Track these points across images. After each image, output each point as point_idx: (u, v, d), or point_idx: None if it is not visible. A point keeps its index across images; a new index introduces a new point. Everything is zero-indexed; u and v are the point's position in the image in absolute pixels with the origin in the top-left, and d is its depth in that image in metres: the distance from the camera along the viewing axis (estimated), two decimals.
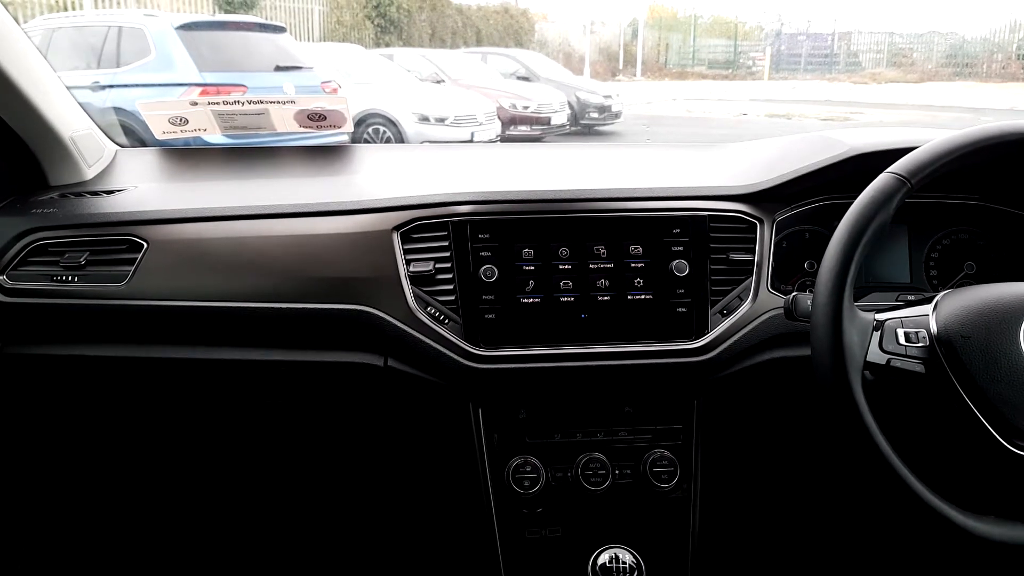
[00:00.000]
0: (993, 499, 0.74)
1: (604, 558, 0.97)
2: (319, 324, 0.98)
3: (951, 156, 0.76)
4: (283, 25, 5.69)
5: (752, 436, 1.17)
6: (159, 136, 1.28)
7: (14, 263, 1.01)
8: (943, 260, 1.07)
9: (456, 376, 0.95)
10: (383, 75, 6.90)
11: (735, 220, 1.00)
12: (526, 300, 0.95)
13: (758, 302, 0.97)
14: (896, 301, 0.91)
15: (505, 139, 7.02)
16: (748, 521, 1.26)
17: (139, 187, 1.15)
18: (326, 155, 1.35)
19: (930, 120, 9.66)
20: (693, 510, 1.00)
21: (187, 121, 1.28)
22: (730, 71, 17.09)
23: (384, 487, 1.30)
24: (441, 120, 6.21)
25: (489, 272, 0.95)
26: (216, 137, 1.39)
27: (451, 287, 0.95)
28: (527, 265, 0.96)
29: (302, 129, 1.30)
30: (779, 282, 1.01)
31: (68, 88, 1.15)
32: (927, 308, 0.78)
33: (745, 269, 0.99)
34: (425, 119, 6.14)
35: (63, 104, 1.12)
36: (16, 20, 1.03)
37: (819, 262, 0.77)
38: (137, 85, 4.55)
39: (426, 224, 0.97)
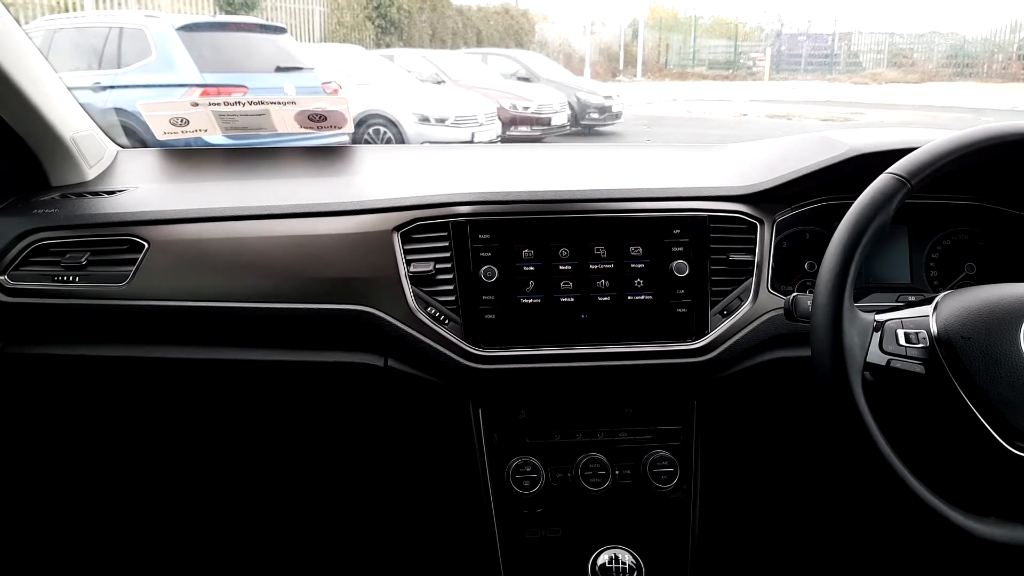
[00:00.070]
0: (993, 500, 0.74)
1: (604, 558, 0.97)
2: (319, 324, 0.98)
3: (951, 157, 0.76)
4: (284, 26, 5.69)
5: (752, 437, 1.17)
6: (160, 137, 1.29)
7: (15, 263, 1.01)
8: (943, 261, 1.07)
9: (456, 376, 0.95)
10: (384, 76, 6.90)
11: (735, 221, 1.00)
12: (526, 300, 0.95)
13: (758, 303, 0.97)
14: (896, 302, 0.91)
15: (505, 140, 7.03)
16: (748, 522, 1.26)
17: (140, 187, 1.15)
18: (327, 156, 1.35)
19: (930, 120, 9.66)
20: (693, 511, 1.00)
21: (188, 122, 1.28)
22: (730, 72, 17.09)
23: (384, 487, 1.30)
24: (441, 121, 6.21)
25: (489, 272, 0.95)
26: (217, 138, 1.39)
27: (451, 287, 0.95)
28: (527, 265, 0.96)
29: (303, 130, 1.30)
30: (779, 283, 1.01)
31: (69, 89, 1.15)
32: (927, 309, 0.78)
33: (745, 270, 0.99)
34: (425, 120, 6.15)
35: (64, 105, 1.12)
36: (17, 21, 1.03)
37: (819, 263, 0.77)
38: (138, 86, 4.56)
39: (426, 224, 0.98)
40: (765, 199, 1.02)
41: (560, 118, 7.93)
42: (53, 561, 1.36)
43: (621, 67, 17.16)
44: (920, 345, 0.75)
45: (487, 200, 0.98)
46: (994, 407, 0.71)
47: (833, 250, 0.75)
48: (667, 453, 1.00)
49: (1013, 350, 0.72)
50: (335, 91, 5.10)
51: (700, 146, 1.33)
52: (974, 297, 0.77)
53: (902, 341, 0.76)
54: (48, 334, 1.04)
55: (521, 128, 7.57)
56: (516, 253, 0.96)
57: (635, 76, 16.83)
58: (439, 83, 7.67)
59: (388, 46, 11.69)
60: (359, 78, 6.41)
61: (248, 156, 1.39)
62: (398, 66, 7.53)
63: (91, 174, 1.18)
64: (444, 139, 6.12)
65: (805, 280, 1.04)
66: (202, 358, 1.02)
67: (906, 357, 0.75)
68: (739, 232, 1.00)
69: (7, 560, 1.33)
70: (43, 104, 1.05)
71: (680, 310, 0.97)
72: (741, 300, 0.98)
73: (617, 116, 9.02)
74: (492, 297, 0.95)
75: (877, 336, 0.77)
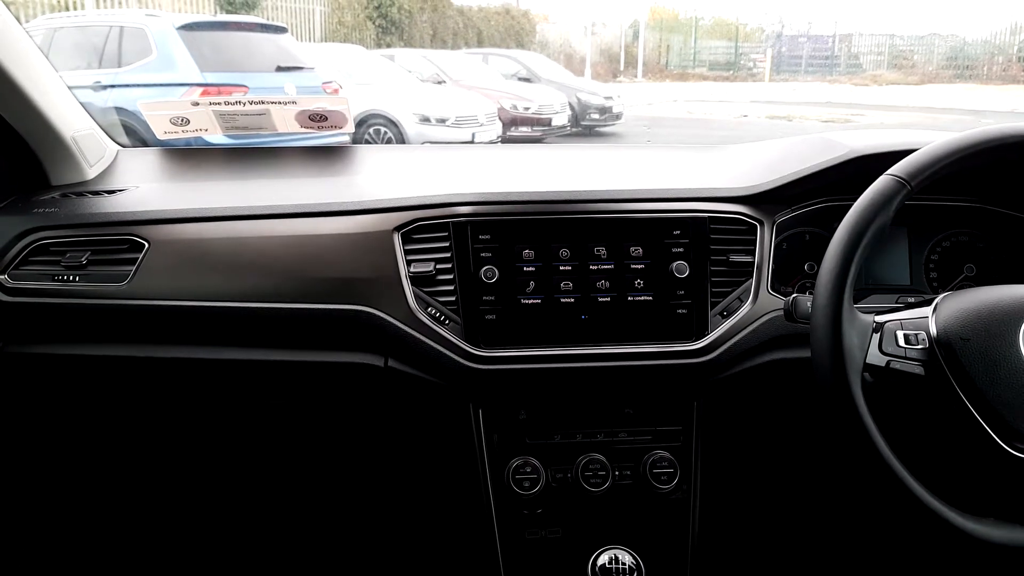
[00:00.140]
0: (992, 501, 0.74)
1: (604, 559, 0.97)
2: (320, 324, 0.98)
3: (951, 158, 0.77)
4: (284, 25, 5.69)
5: (752, 438, 1.17)
6: (160, 136, 1.29)
7: (15, 262, 1.01)
8: (943, 262, 1.07)
9: (456, 377, 0.95)
10: (384, 76, 6.90)
11: (735, 222, 1.00)
12: (526, 301, 0.95)
13: (758, 304, 0.97)
14: (896, 303, 0.91)
15: (506, 140, 7.02)
16: (747, 522, 1.26)
17: (140, 187, 1.15)
18: (327, 155, 1.35)
19: (931, 122, 9.67)
20: (693, 511, 1.00)
21: (188, 121, 1.28)
22: (731, 73, 17.10)
23: (384, 487, 1.30)
24: (442, 121, 6.21)
25: (490, 273, 0.95)
26: (217, 137, 1.39)
27: (452, 288, 0.95)
28: (527, 266, 0.96)
29: (303, 130, 1.30)
30: (779, 284, 1.01)
31: (70, 88, 1.15)
32: (927, 310, 0.78)
33: (745, 271, 0.99)
34: (426, 120, 6.15)
35: (65, 104, 1.12)
36: (18, 20, 1.03)
37: (819, 264, 0.77)
38: (138, 85, 4.56)
39: (427, 225, 0.98)
40: (765, 200, 1.02)
41: (561, 119, 7.93)
42: (54, 561, 1.36)
43: (622, 68, 17.16)
44: (919, 346, 0.75)
45: (488, 200, 0.98)
46: (993, 408, 0.71)
47: (833, 251, 0.75)
48: (667, 454, 1.00)
49: (1012, 352, 0.72)
50: (336, 91, 5.10)
51: (700, 147, 1.34)
52: (973, 299, 0.77)
53: (901, 342, 0.76)
54: (48, 333, 1.04)
55: (522, 128, 7.57)
56: (516, 253, 0.96)
57: (636, 77, 16.83)
58: (440, 83, 7.67)
59: (389, 46, 11.69)
60: (360, 78, 6.41)
61: (248, 156, 1.39)
62: (399, 66, 7.53)
63: (91, 173, 1.18)
64: (445, 139, 6.12)
65: (805, 281, 1.04)
66: (202, 358, 1.03)
67: (905, 358, 0.75)
68: (739, 233, 1.00)
69: (7, 560, 1.33)
70: (44, 103, 1.05)
71: (680, 311, 0.97)
72: (741, 301, 0.98)
73: (618, 117, 9.02)
74: (492, 297, 0.95)
75: (876, 337, 0.77)
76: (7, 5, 1.02)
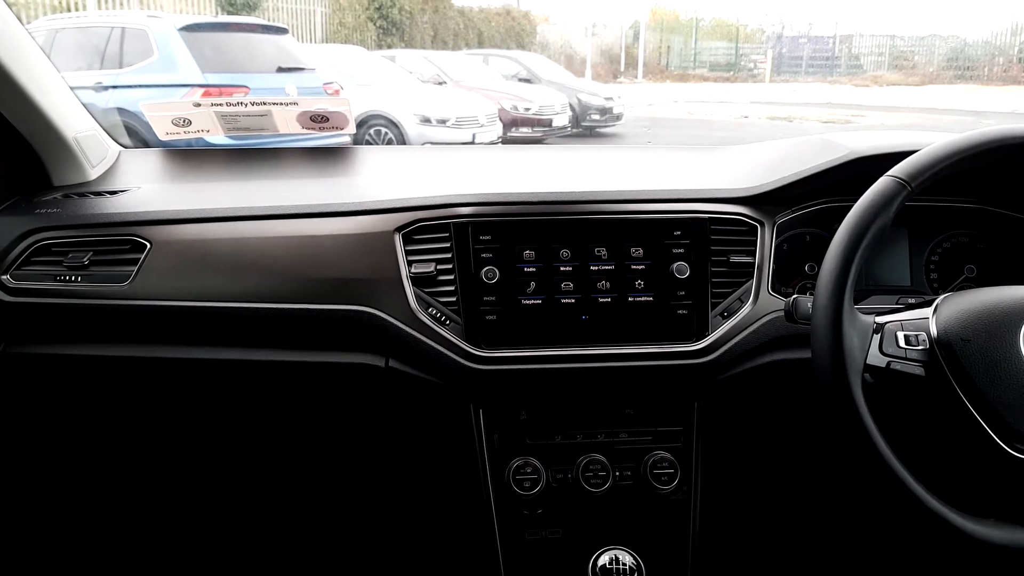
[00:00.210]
0: (993, 502, 0.74)
1: (604, 559, 0.97)
2: (321, 325, 0.98)
3: (951, 159, 0.77)
4: (285, 26, 5.69)
5: (752, 438, 1.17)
6: (162, 137, 1.29)
7: (18, 263, 1.01)
8: (943, 263, 1.07)
9: (457, 377, 0.95)
10: (385, 77, 6.91)
11: (736, 223, 1.01)
12: (527, 301, 0.96)
13: (759, 304, 0.97)
14: (896, 304, 0.92)
15: (506, 141, 7.03)
16: (748, 523, 1.26)
17: (142, 188, 1.15)
18: (328, 156, 1.35)
19: (931, 123, 9.67)
20: (693, 512, 1.00)
21: (190, 122, 1.29)
22: (731, 73, 17.10)
23: (385, 487, 1.30)
24: (443, 122, 6.22)
25: (490, 273, 0.95)
26: (219, 138, 1.39)
27: (452, 288, 0.96)
28: (528, 267, 0.96)
29: (304, 130, 1.30)
30: (780, 284, 1.01)
31: (72, 88, 1.15)
32: (927, 311, 0.78)
33: (746, 271, 0.99)
34: (427, 120, 6.15)
35: (67, 105, 1.13)
36: (20, 20, 1.03)
37: (820, 265, 0.77)
38: (140, 86, 4.56)
39: (428, 225, 0.98)
40: (766, 201, 1.02)
41: (561, 119, 7.94)
42: (55, 561, 1.36)
43: (622, 69, 17.17)
44: (920, 347, 0.76)
45: (488, 201, 0.98)
46: (994, 409, 0.71)
47: (833, 252, 0.76)
48: (667, 454, 1.00)
49: (1013, 353, 0.72)
50: (336, 92, 5.10)
51: (701, 148, 1.34)
52: (974, 299, 0.77)
53: (902, 343, 0.76)
54: (50, 334, 1.04)
55: (522, 129, 7.58)
56: (517, 254, 0.96)
57: (636, 78, 16.84)
58: (440, 84, 7.68)
59: (390, 47, 11.70)
60: (360, 79, 6.41)
61: (250, 157, 1.39)
62: (399, 67, 7.54)
63: (93, 174, 1.18)
64: (445, 140, 6.13)
65: (805, 282, 1.04)
66: (204, 358, 1.03)
67: (906, 359, 0.75)
68: (740, 234, 1.01)
69: (8, 560, 1.33)
70: (46, 104, 1.06)
71: (681, 311, 0.97)
72: (742, 302, 0.98)
73: (618, 118, 9.02)
74: (493, 298, 0.95)
75: (877, 338, 0.77)
76: (9, 6, 1.02)
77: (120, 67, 4.78)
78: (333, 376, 1.04)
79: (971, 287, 0.83)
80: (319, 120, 1.29)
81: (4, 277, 1.00)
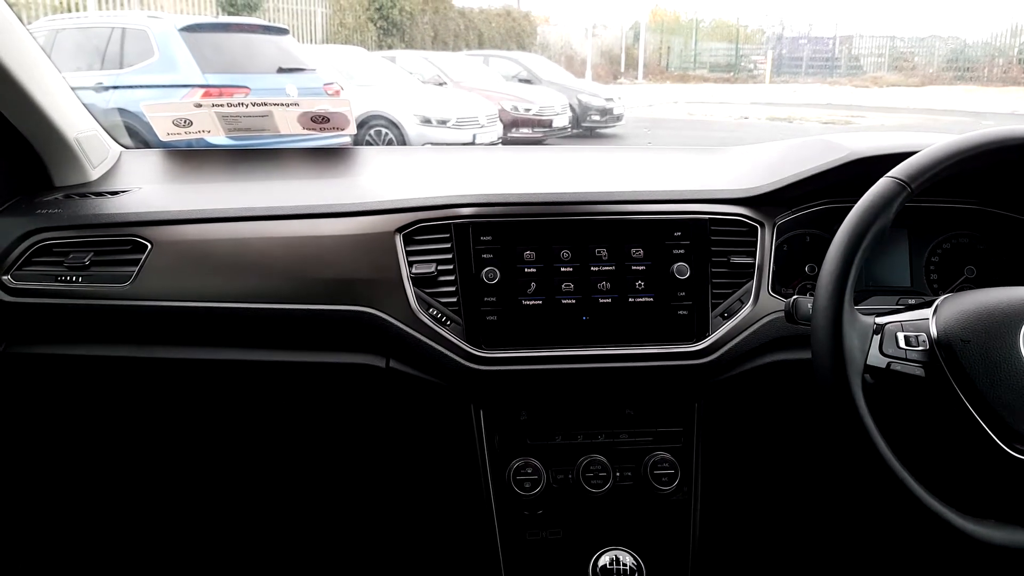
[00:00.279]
0: (992, 503, 0.74)
1: (604, 560, 0.97)
2: (321, 325, 0.98)
3: (951, 160, 0.77)
4: (286, 27, 5.70)
5: (753, 439, 1.17)
6: (163, 137, 1.29)
7: (19, 263, 1.01)
8: (943, 264, 1.07)
9: (457, 377, 0.95)
10: (385, 77, 6.91)
11: (736, 223, 1.01)
12: (528, 302, 0.96)
13: (759, 305, 0.98)
14: (896, 305, 0.92)
15: (507, 141, 7.03)
16: (748, 524, 1.26)
17: (143, 188, 1.15)
18: (329, 157, 1.35)
19: (931, 124, 9.68)
20: (693, 512, 1.00)
21: (191, 123, 1.29)
22: (731, 74, 17.12)
23: (385, 488, 1.30)
24: (443, 122, 6.23)
25: (491, 274, 0.95)
26: (220, 139, 1.39)
27: (453, 289, 0.96)
28: (529, 267, 0.96)
29: (305, 131, 1.30)
30: (780, 285, 1.01)
31: (72, 89, 1.16)
32: (927, 312, 0.78)
33: (746, 272, 0.99)
34: (427, 121, 6.16)
35: (68, 105, 1.13)
36: (21, 21, 1.03)
37: (820, 265, 0.77)
38: (140, 86, 4.57)
39: (428, 226, 0.98)
40: (766, 202, 1.02)
41: (561, 120, 7.95)
42: (56, 561, 1.36)
43: (622, 69, 17.18)
44: (920, 348, 0.76)
45: (489, 202, 0.98)
46: (993, 410, 0.71)
47: (833, 253, 0.76)
48: (668, 455, 1.00)
49: (1013, 353, 0.72)
50: (337, 92, 5.11)
51: (701, 149, 1.34)
52: (974, 300, 0.77)
53: (902, 344, 0.76)
54: (51, 334, 1.04)
55: (522, 130, 7.58)
56: (518, 255, 0.96)
57: (636, 78, 16.85)
58: (441, 85, 7.68)
59: (390, 48, 11.71)
60: (361, 79, 6.42)
61: (251, 157, 1.40)
62: (400, 68, 7.55)
63: (94, 175, 1.19)
64: (445, 141, 6.14)
65: (805, 283, 1.04)
66: (205, 358, 1.03)
67: (906, 360, 0.75)
68: (740, 235, 1.01)
69: (9, 560, 1.33)
70: (47, 104, 1.06)
71: (681, 312, 0.97)
72: (742, 302, 0.98)
73: (618, 118, 9.03)
74: (494, 298, 0.95)
75: (877, 339, 0.77)
76: (10, 6, 1.02)
77: (121, 67, 4.78)
78: (334, 376, 1.04)
79: (971, 288, 0.83)
80: (320, 121, 1.29)
81: (5, 277, 1.00)
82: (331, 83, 5.31)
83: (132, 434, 1.27)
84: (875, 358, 0.76)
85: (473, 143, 6.27)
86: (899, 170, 0.77)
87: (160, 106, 1.29)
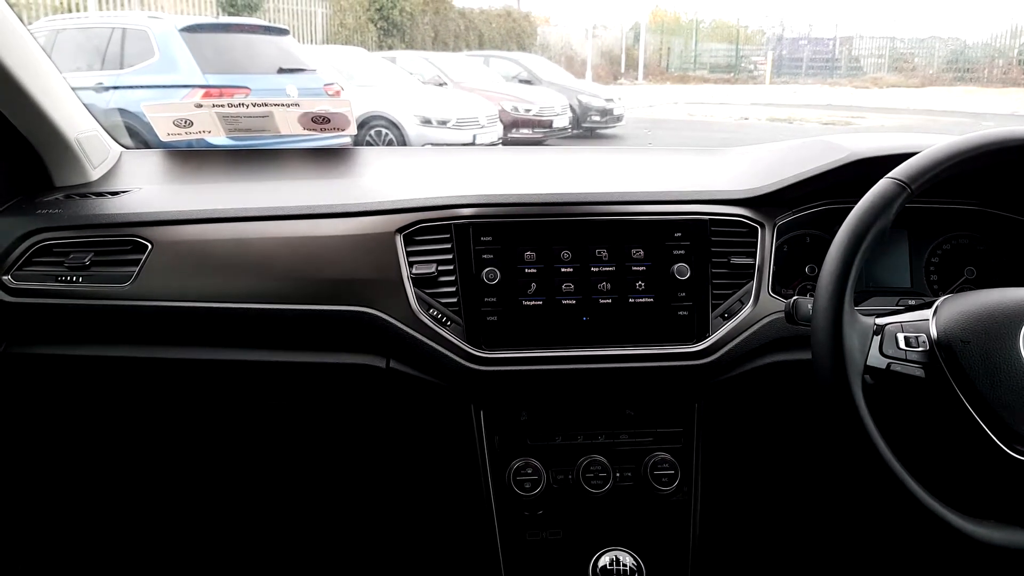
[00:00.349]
0: (992, 503, 0.74)
1: (604, 560, 0.97)
2: (322, 325, 0.98)
3: (951, 161, 0.77)
4: (286, 27, 5.70)
5: (753, 439, 1.18)
6: (163, 138, 1.29)
7: (19, 263, 1.01)
8: (943, 265, 1.07)
9: (458, 378, 0.95)
10: (386, 78, 6.92)
11: (736, 224, 1.01)
12: (528, 302, 0.96)
13: (759, 306, 0.98)
14: (896, 305, 0.92)
15: (507, 142, 7.04)
16: (748, 524, 1.26)
17: (144, 188, 1.15)
18: (329, 157, 1.35)
19: (931, 125, 9.68)
20: (694, 513, 1.00)
21: (191, 123, 1.29)
22: (732, 75, 17.12)
23: (385, 488, 1.30)
24: (443, 123, 6.23)
25: (491, 274, 0.95)
26: (220, 139, 1.40)
27: (453, 289, 0.96)
28: (529, 268, 0.96)
29: (305, 131, 1.30)
30: (780, 286, 1.01)
31: (73, 89, 1.16)
32: (927, 313, 0.78)
33: (746, 273, 0.99)
34: (427, 122, 6.16)
35: (69, 105, 1.13)
36: (21, 21, 1.03)
37: (820, 266, 0.77)
38: (141, 87, 4.57)
39: (429, 226, 0.98)
40: (766, 203, 1.02)
41: (562, 121, 7.95)
42: (56, 561, 1.36)
43: (623, 70, 17.19)
44: (920, 349, 0.76)
45: (489, 202, 0.98)
46: (993, 411, 0.71)
47: (834, 254, 0.76)
48: (668, 455, 1.00)
49: (1013, 354, 0.72)
50: (337, 93, 5.11)
51: (701, 150, 1.34)
52: (974, 301, 0.77)
53: (902, 345, 0.76)
54: (51, 334, 1.04)
55: (523, 130, 7.58)
56: (518, 255, 0.96)
57: (636, 79, 16.85)
58: (441, 85, 7.69)
59: (390, 48, 11.72)
60: (361, 80, 6.42)
61: (251, 157, 1.40)
62: (400, 68, 7.55)
63: (95, 175, 1.19)
64: (446, 141, 6.14)
65: (806, 283, 1.04)
66: (205, 359, 1.03)
67: (906, 361, 0.75)
68: (740, 235, 1.01)
69: (8, 560, 1.33)
70: (48, 105, 1.06)
71: (681, 313, 0.97)
72: (742, 303, 0.98)
73: (618, 119, 9.03)
74: (494, 299, 0.95)
75: (877, 340, 0.77)
76: (10, 6, 1.02)
77: (121, 68, 4.79)
78: (334, 377, 1.04)
79: (971, 289, 0.83)
80: (320, 121, 1.30)
81: (5, 278, 1.00)
82: (331, 83, 5.32)
83: (133, 435, 1.27)
84: (875, 359, 0.76)
85: (473, 144, 6.27)
86: (899, 171, 0.77)
87: (160, 106, 1.29)
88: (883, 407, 0.75)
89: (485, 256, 0.96)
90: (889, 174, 0.78)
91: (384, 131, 6.03)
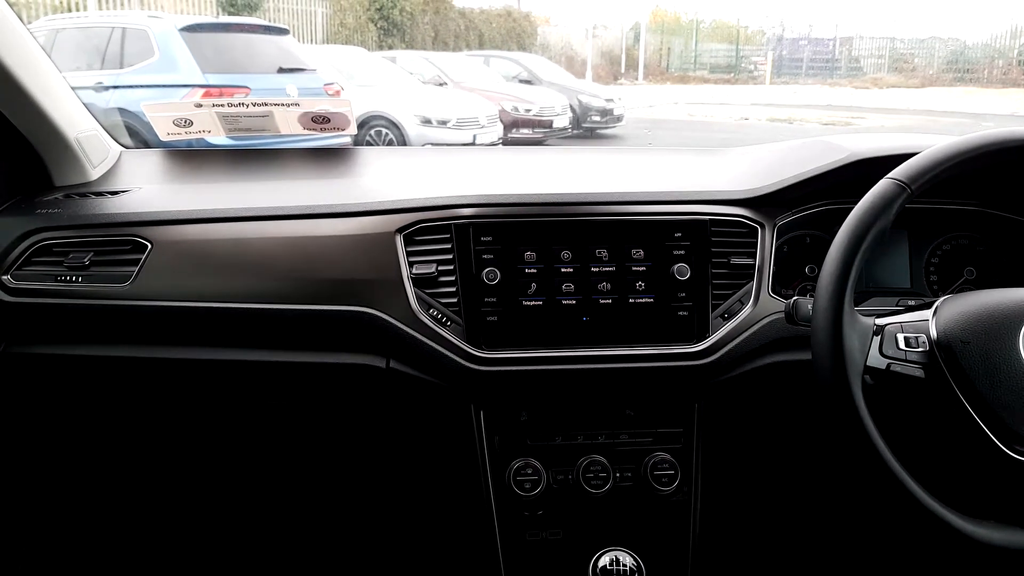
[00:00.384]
0: (992, 504, 0.74)
1: (604, 560, 0.97)
2: (322, 325, 0.98)
3: (951, 162, 0.77)
4: (286, 27, 5.70)
5: (752, 440, 1.18)
6: (163, 137, 1.29)
7: (18, 263, 1.01)
8: (943, 265, 1.07)
9: (458, 378, 0.95)
10: (386, 77, 6.92)
11: (736, 224, 1.01)
12: (528, 303, 0.96)
13: (759, 306, 0.98)
14: (896, 306, 0.92)
15: (507, 142, 7.04)
16: (748, 524, 1.26)
17: (143, 188, 1.15)
18: (329, 157, 1.35)
19: (931, 125, 9.69)
20: (693, 513, 1.00)
21: (191, 123, 1.29)
22: (732, 75, 17.13)
23: (385, 488, 1.30)
24: (443, 123, 6.23)
25: (491, 274, 0.95)
26: (220, 139, 1.39)
27: (453, 289, 0.96)
28: (529, 268, 0.96)
29: (305, 131, 1.30)
30: (780, 286, 1.01)
31: (73, 89, 1.16)
32: (927, 313, 0.78)
33: (746, 273, 0.99)
34: (427, 121, 6.16)
35: (68, 105, 1.13)
36: (21, 20, 1.03)
37: (820, 267, 0.77)
38: (141, 86, 4.57)
39: (429, 226, 0.98)
40: (766, 203, 1.02)
41: (562, 121, 7.95)
42: (56, 561, 1.36)
43: (623, 70, 17.19)
44: (920, 349, 0.76)
45: (489, 203, 0.98)
46: (993, 411, 0.71)
47: (834, 254, 0.76)
48: (668, 456, 1.00)
49: (1012, 355, 0.72)
50: (337, 92, 5.11)
51: (701, 150, 1.34)
52: (974, 302, 0.77)
53: (902, 345, 0.76)
54: (51, 334, 1.04)
55: (523, 130, 7.58)
56: (518, 255, 0.96)
57: (637, 79, 16.85)
58: (441, 85, 7.68)
59: (390, 48, 11.72)
60: (361, 80, 6.42)
61: (251, 157, 1.40)
62: (400, 68, 7.55)
63: (95, 174, 1.19)
64: (446, 141, 6.14)
65: (806, 284, 1.04)
66: (205, 359, 1.03)
67: (906, 361, 0.76)
68: (740, 236, 1.01)
69: (8, 560, 1.33)
70: (47, 104, 1.06)
71: (681, 313, 0.97)
72: (742, 303, 0.98)
73: (619, 119, 9.03)
74: (494, 299, 0.95)
75: (877, 340, 0.77)
76: (10, 6, 1.02)
77: (121, 67, 4.79)
78: (334, 377, 1.04)
79: (971, 289, 0.83)
80: (320, 121, 1.29)
81: (5, 277, 1.00)
82: (331, 83, 5.32)
83: (132, 434, 1.27)
84: (875, 359, 0.76)
85: (473, 144, 6.27)
86: (899, 171, 0.77)
87: (160, 106, 1.29)
88: (883, 407, 0.75)
89: (485, 256, 0.96)
90: (889, 174, 0.78)
91: (384, 131, 6.03)
